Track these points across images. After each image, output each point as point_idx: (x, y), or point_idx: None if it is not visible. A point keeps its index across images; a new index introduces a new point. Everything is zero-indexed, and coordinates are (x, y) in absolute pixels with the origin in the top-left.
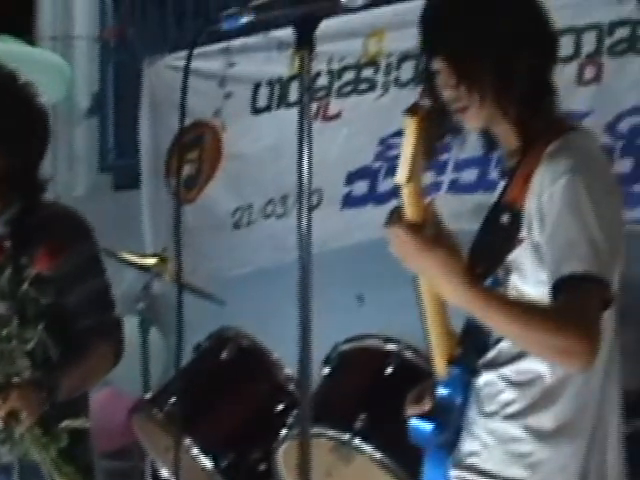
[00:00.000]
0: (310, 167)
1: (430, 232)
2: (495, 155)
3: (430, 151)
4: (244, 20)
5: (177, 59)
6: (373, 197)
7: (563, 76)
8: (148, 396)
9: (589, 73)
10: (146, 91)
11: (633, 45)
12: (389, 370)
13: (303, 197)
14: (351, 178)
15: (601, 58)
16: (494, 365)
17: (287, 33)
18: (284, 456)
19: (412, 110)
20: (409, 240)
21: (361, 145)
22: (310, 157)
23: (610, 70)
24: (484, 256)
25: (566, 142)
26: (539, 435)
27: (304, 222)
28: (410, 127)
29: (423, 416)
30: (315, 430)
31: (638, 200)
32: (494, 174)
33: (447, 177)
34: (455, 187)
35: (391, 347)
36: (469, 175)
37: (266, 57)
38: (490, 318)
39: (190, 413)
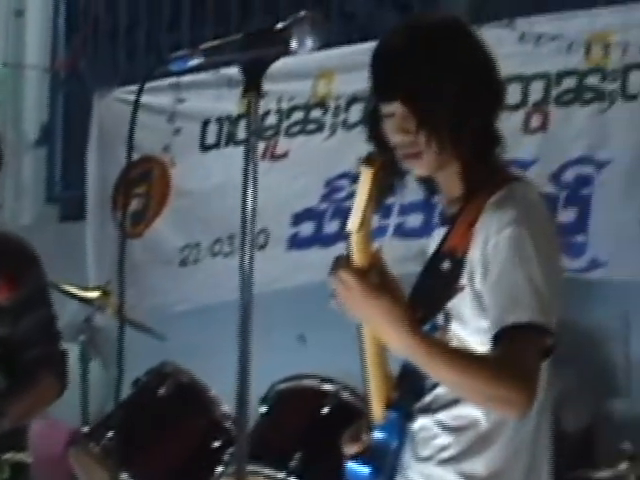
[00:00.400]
0: (255, 207)
1: (376, 279)
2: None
3: (380, 199)
4: (193, 62)
5: (127, 93)
6: (319, 239)
7: (510, 124)
8: (85, 429)
9: (535, 122)
10: (95, 123)
11: (579, 95)
12: (325, 410)
13: (246, 237)
14: (297, 219)
15: (548, 107)
16: (430, 410)
17: (237, 71)
18: None
19: (369, 161)
20: (355, 286)
21: (307, 186)
22: (255, 198)
23: (556, 119)
24: (424, 302)
25: (510, 192)
26: None
27: (246, 261)
28: (365, 177)
29: (360, 459)
30: (251, 468)
31: (581, 250)
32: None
33: (393, 221)
34: (400, 231)
35: (328, 387)
36: (414, 220)
37: (216, 94)
38: (432, 366)
39: (127, 448)
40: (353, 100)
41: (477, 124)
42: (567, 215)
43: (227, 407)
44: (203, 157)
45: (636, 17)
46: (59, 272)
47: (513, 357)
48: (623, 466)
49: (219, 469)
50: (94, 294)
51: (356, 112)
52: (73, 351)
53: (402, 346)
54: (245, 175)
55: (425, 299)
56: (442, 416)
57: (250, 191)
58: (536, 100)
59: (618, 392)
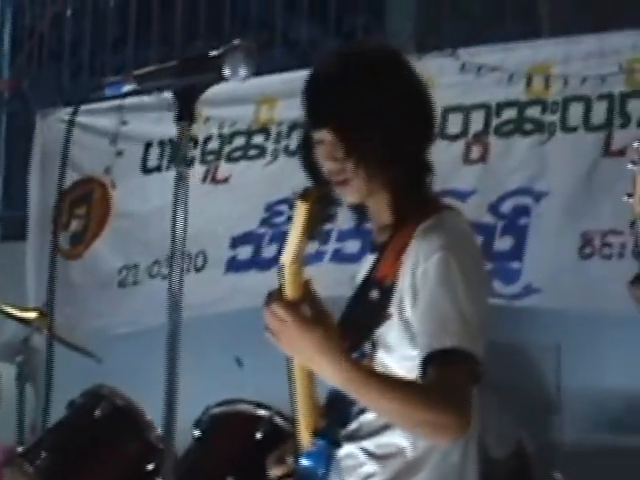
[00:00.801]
0: (185, 232)
1: (308, 311)
2: None
3: (317, 230)
4: (127, 88)
5: (70, 113)
6: (257, 262)
7: (450, 154)
8: (20, 449)
9: (475, 152)
10: (37, 143)
11: (520, 126)
12: (259, 435)
13: (175, 260)
14: (236, 242)
15: (488, 138)
16: (355, 437)
17: None
18: None
19: (304, 195)
20: (288, 319)
21: (247, 210)
22: (185, 223)
23: (496, 150)
24: (352, 330)
25: (439, 221)
26: None
27: (175, 284)
28: (300, 211)
29: None
30: None
31: (515, 276)
32: None
33: (331, 247)
34: (338, 257)
35: (262, 413)
36: (352, 246)
37: (158, 117)
38: (364, 394)
39: (61, 469)
40: (295, 126)
41: (408, 153)
42: (503, 243)
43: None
44: (144, 180)
45: (577, 49)
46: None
47: (443, 382)
48: None
49: None
50: (32, 315)
51: (297, 138)
52: (10, 371)
53: (335, 376)
54: (175, 200)
55: (353, 327)
56: (368, 444)
57: (180, 217)
58: (476, 130)
59: (549, 421)
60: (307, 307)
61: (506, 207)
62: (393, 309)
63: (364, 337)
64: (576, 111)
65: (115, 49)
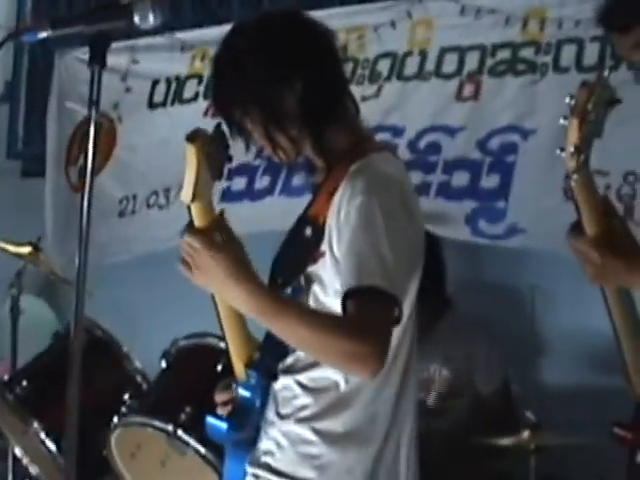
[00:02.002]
0: None
1: (219, 238)
2: None
3: (220, 171)
4: (42, 35)
5: (86, 53)
6: (249, 193)
7: (444, 92)
8: (4, 378)
9: (468, 90)
10: (56, 82)
11: (513, 67)
12: (219, 367)
13: None
14: (231, 173)
15: (481, 77)
16: (291, 371)
17: (190, 35)
18: (116, 442)
19: (191, 137)
20: (198, 246)
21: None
22: None
23: (488, 89)
24: (286, 266)
25: (366, 163)
26: (328, 439)
27: None
28: (190, 153)
29: (220, 415)
30: (140, 420)
31: (500, 216)
32: None
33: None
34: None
35: (224, 345)
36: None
37: (168, 56)
38: (276, 323)
39: (39, 398)
40: None
41: (311, 106)
42: (490, 181)
43: (138, 362)
44: (150, 114)
45: None
46: (20, 226)
47: (360, 315)
48: (524, 435)
49: (115, 420)
50: (25, 249)
51: None
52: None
53: (245, 301)
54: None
55: (288, 263)
56: (302, 377)
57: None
58: (470, 70)
59: (533, 362)
60: (218, 235)
61: (494, 143)
62: (325, 246)
63: (298, 273)
64: (569, 52)
65: None
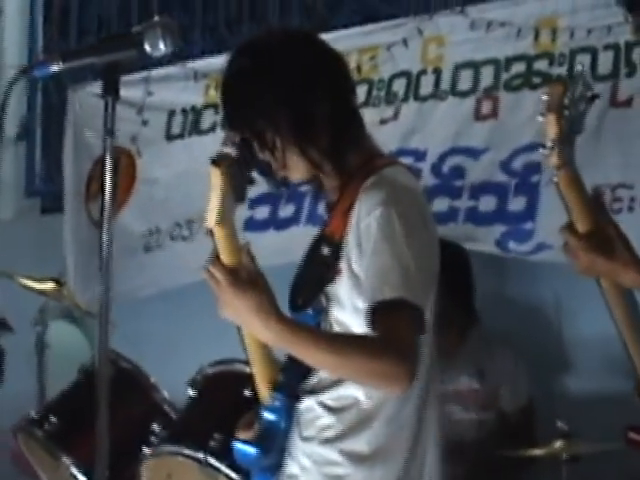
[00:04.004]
0: None
1: (244, 275)
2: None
3: (242, 193)
4: (53, 68)
5: (99, 87)
6: (274, 222)
7: (461, 110)
8: (32, 415)
9: (486, 108)
10: (70, 117)
11: (528, 80)
12: (247, 392)
13: None
14: (253, 203)
15: (498, 92)
16: (314, 392)
17: (203, 64)
18: (147, 473)
19: (216, 161)
20: (224, 283)
21: None
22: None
23: (506, 105)
24: (306, 287)
25: (379, 177)
26: (354, 459)
27: None
28: (215, 176)
29: (249, 440)
30: (171, 448)
31: (528, 236)
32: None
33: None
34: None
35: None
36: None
37: (183, 86)
38: (305, 353)
39: (69, 432)
40: None
41: (327, 126)
42: (517, 204)
43: (165, 392)
44: (168, 146)
45: (583, 1)
46: (41, 263)
47: (387, 332)
48: (557, 444)
49: (145, 450)
50: (48, 285)
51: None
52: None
53: (273, 337)
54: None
55: (307, 284)
56: (325, 397)
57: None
58: (486, 86)
59: (552, 373)
60: (243, 271)
61: (517, 164)
62: (343, 264)
63: (317, 293)
64: (583, 62)
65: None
